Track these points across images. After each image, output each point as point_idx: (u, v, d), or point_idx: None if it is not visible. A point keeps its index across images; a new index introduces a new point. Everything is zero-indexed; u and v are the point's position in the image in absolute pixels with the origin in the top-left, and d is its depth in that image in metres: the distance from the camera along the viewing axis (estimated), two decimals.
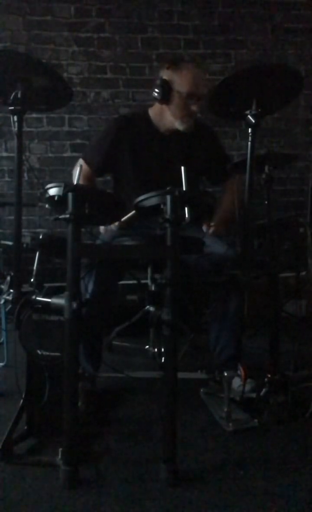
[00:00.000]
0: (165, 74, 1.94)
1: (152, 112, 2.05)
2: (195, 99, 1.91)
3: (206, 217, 1.89)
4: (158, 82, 1.94)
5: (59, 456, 1.30)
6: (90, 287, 1.79)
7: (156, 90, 1.93)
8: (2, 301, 1.80)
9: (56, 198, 1.38)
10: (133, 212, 1.75)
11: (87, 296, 1.77)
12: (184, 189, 1.36)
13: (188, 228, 1.66)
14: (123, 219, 1.84)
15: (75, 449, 1.30)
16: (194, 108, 1.92)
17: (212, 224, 1.94)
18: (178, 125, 1.96)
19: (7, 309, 1.95)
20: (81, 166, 1.49)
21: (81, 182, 1.97)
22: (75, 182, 1.41)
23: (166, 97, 1.92)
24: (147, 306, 1.85)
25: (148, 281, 1.82)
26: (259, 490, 1.26)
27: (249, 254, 1.67)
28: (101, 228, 2.01)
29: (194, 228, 1.92)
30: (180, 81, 1.90)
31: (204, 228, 1.94)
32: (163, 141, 2.03)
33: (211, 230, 1.92)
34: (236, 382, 1.70)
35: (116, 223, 1.88)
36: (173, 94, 1.92)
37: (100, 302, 1.83)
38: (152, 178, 1.99)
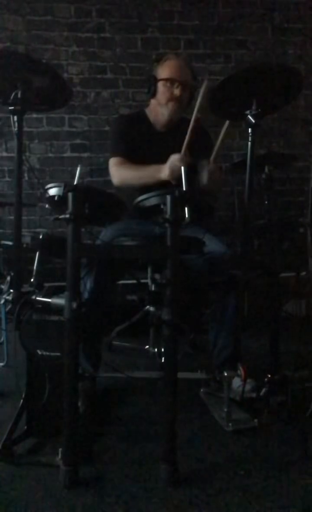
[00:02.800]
0: (153, 71, 2.09)
1: (148, 110, 2.15)
2: (176, 84, 2.02)
3: (205, 217, 1.89)
4: (147, 79, 2.11)
5: (59, 456, 1.30)
6: (89, 286, 1.80)
7: (146, 87, 2.09)
8: (2, 301, 1.80)
9: (56, 198, 1.38)
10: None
11: (86, 295, 1.77)
12: (184, 189, 1.36)
13: (187, 227, 1.66)
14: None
15: (75, 449, 1.30)
16: (176, 92, 2.02)
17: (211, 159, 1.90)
18: (164, 111, 2.05)
19: (7, 309, 1.96)
20: (80, 167, 1.48)
21: (123, 170, 2.03)
22: (75, 182, 1.41)
23: (152, 90, 2.06)
24: (147, 306, 1.85)
25: (148, 281, 1.82)
26: (259, 490, 1.26)
27: (249, 254, 1.67)
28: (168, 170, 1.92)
29: (193, 228, 1.92)
30: (161, 70, 2.05)
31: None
32: (160, 139, 2.08)
33: (210, 166, 1.88)
34: (236, 382, 1.70)
35: (178, 157, 1.86)
36: (157, 84, 2.05)
37: (99, 301, 1.83)
38: None
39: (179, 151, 2.04)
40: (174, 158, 1.87)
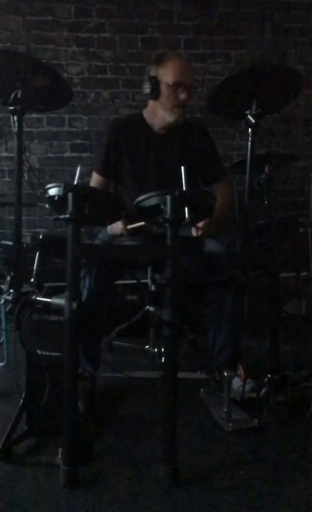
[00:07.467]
0: (152, 71, 1.97)
1: (146, 112, 2.06)
2: (181, 88, 1.93)
3: (205, 217, 1.89)
4: (146, 78, 1.98)
5: (59, 456, 1.30)
6: (89, 286, 1.79)
7: (146, 86, 1.98)
8: (2, 301, 1.80)
9: (56, 198, 1.38)
10: (142, 223, 1.75)
11: (86, 295, 1.77)
12: (184, 189, 1.36)
13: (186, 227, 1.66)
14: (130, 226, 1.84)
15: (75, 449, 1.30)
16: (182, 96, 1.93)
17: (200, 226, 1.85)
18: (168, 117, 1.97)
19: (7, 309, 1.96)
20: (80, 167, 1.48)
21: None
22: (75, 182, 1.41)
23: (155, 92, 1.95)
24: (147, 306, 1.85)
25: (149, 281, 1.82)
26: (259, 490, 1.26)
27: (249, 254, 1.67)
28: (108, 228, 1.98)
29: (191, 228, 1.92)
30: (165, 72, 1.93)
31: (193, 232, 1.88)
32: (158, 141, 2.03)
33: (199, 232, 1.85)
34: (236, 382, 1.70)
35: (121, 227, 1.86)
36: (161, 87, 1.94)
37: (99, 301, 1.83)
38: (150, 179, 2.00)
39: (178, 153, 2.02)
40: (117, 226, 1.86)
